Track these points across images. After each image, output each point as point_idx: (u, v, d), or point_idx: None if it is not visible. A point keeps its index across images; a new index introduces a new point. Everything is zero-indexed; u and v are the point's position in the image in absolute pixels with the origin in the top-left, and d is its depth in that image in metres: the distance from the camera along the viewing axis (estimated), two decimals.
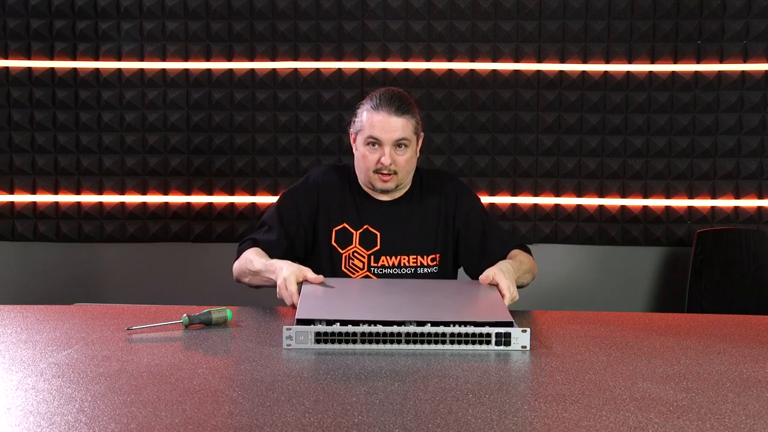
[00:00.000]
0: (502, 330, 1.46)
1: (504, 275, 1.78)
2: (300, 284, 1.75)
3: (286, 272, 1.76)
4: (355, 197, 2.04)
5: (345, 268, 2.00)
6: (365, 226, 2.02)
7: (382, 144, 1.94)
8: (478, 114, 3.25)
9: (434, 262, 2.03)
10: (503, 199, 3.29)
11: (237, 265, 1.99)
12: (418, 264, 2.01)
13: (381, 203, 2.04)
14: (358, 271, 2.00)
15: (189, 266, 3.34)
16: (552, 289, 3.31)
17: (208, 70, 3.26)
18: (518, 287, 1.82)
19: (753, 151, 3.22)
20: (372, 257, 2.00)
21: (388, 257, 2.00)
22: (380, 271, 1.99)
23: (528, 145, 3.26)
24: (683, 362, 1.40)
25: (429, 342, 1.45)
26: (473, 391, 1.20)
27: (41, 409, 1.09)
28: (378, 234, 2.01)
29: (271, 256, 1.92)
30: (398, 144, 1.95)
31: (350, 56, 3.24)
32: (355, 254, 2.00)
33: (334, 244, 2.01)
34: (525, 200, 3.29)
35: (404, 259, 2.00)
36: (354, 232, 2.01)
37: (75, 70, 3.26)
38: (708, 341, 1.57)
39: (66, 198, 3.30)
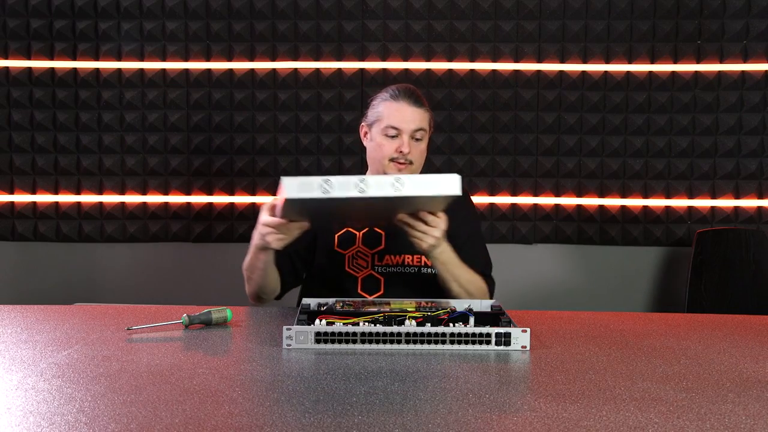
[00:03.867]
0: (502, 330, 1.47)
1: (440, 236, 1.74)
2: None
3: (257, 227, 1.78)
4: None
5: (348, 268, 2.00)
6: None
7: (401, 133, 1.96)
8: (478, 114, 3.24)
9: None
10: (503, 199, 3.29)
11: (246, 284, 2.01)
12: (422, 263, 2.00)
13: None
14: (362, 270, 2.00)
15: (189, 266, 3.34)
16: (552, 289, 3.31)
17: (208, 70, 3.26)
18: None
19: (753, 151, 3.22)
20: (376, 256, 1.99)
21: (391, 256, 1.99)
22: (384, 269, 1.99)
23: (528, 145, 3.26)
24: (683, 362, 1.39)
25: (429, 342, 1.46)
26: (473, 391, 1.20)
27: (41, 409, 1.09)
28: (383, 234, 2.01)
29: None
30: (415, 134, 1.97)
31: (350, 56, 3.24)
32: (359, 254, 2.00)
33: (338, 249, 2.01)
34: (525, 200, 3.29)
35: (408, 258, 2.00)
36: (357, 233, 2.01)
37: (75, 70, 3.26)
38: (708, 341, 1.57)
39: (66, 198, 3.30)
